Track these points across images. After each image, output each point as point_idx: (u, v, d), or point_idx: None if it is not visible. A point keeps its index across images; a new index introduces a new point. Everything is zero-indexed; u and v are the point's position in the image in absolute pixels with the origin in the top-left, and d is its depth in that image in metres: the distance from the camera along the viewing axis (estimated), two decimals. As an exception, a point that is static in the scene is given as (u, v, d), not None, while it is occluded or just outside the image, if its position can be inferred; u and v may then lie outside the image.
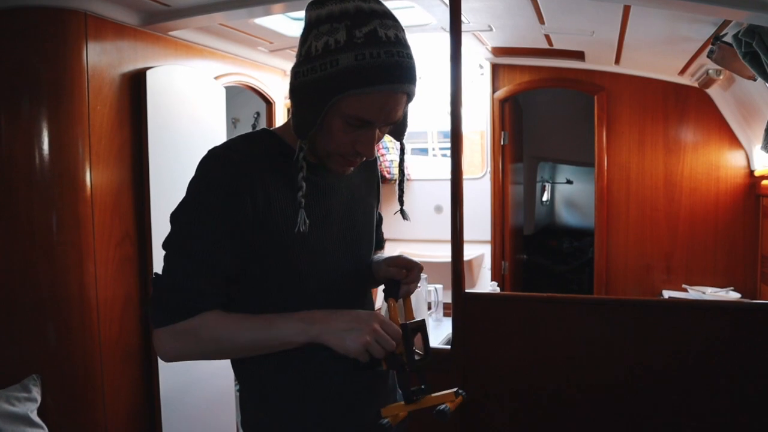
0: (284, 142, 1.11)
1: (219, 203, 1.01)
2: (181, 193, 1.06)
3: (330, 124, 1.01)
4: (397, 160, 4.22)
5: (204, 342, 1.02)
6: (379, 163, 1.37)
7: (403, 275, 1.15)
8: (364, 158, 1.08)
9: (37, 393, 2.04)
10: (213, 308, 1.03)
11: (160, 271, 1.05)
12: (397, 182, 1.21)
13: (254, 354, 1.07)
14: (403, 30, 1.01)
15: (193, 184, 1.05)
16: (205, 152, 1.06)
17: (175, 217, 1.05)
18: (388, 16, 0.99)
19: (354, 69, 0.95)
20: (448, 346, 2.32)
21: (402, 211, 1.23)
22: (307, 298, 1.09)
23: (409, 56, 1.00)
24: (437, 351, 2.42)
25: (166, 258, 1.04)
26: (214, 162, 1.04)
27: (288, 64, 3.56)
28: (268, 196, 1.04)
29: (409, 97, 1.04)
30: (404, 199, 1.22)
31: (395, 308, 1.12)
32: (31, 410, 2.00)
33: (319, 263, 1.11)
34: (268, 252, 1.06)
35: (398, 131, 1.14)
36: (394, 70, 0.97)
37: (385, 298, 1.14)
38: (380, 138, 1.07)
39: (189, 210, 1.04)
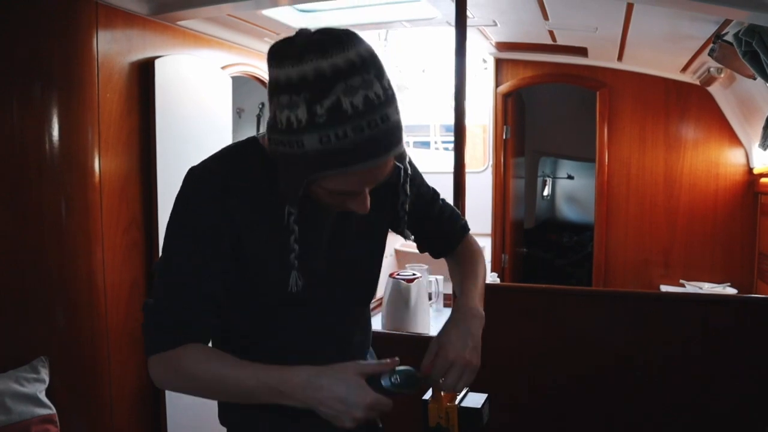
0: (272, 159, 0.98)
1: (200, 231, 0.97)
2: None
3: (314, 192, 0.93)
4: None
5: (182, 376, 0.97)
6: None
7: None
8: None
9: (45, 374, 2.08)
10: (196, 338, 0.98)
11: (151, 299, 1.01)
12: (399, 203, 1.10)
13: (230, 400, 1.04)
14: (377, 77, 0.85)
15: (176, 204, 1.00)
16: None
17: (165, 236, 1.01)
18: (354, 70, 0.83)
19: (321, 153, 0.84)
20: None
21: (404, 232, 1.17)
22: (289, 328, 1.05)
23: (384, 119, 0.84)
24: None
25: (154, 283, 1.01)
26: (194, 187, 0.99)
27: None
28: (250, 225, 0.98)
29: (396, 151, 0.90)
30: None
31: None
32: (40, 391, 2.04)
33: (305, 302, 1.04)
34: (249, 282, 1.01)
35: (397, 160, 1.02)
36: (365, 148, 0.84)
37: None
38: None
39: (172, 232, 1.00)
